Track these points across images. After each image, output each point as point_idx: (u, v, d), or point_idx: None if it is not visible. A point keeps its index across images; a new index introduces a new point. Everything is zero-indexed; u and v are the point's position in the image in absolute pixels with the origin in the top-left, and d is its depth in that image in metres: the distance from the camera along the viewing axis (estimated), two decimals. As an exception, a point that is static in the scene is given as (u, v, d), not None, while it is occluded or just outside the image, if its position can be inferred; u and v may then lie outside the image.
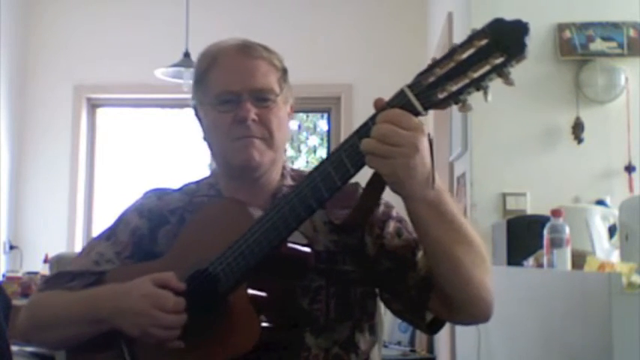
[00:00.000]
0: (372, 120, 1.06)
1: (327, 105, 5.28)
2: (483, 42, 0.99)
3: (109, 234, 1.43)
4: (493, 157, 3.12)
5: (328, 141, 5.39)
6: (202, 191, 1.43)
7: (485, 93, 1.00)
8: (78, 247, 5.06)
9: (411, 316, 1.29)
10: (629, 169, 2.98)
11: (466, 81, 1.00)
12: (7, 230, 5.07)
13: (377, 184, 1.11)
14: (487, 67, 0.99)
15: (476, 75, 0.99)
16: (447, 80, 1.01)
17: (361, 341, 1.32)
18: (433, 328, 1.28)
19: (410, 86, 1.05)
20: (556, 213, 2.07)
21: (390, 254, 1.29)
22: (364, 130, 1.06)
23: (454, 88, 1.01)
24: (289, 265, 1.23)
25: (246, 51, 1.35)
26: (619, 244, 2.10)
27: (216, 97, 1.32)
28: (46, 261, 4.43)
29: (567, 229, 2.05)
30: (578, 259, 2.01)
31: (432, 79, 1.02)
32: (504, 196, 3.06)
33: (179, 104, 5.43)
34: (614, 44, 3.04)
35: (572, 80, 3.07)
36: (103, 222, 5.19)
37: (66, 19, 5.31)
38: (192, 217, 1.36)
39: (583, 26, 3.05)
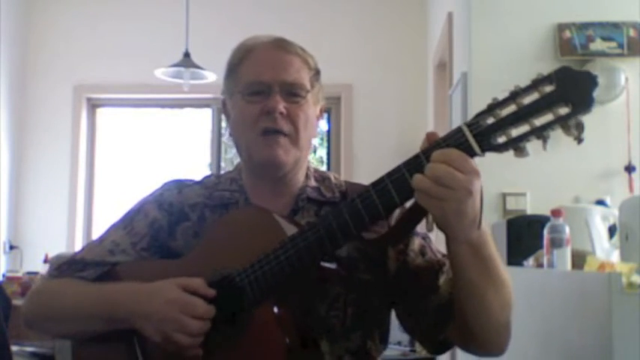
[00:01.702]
0: (424, 154, 1.03)
1: (327, 105, 5.27)
2: (548, 89, 0.97)
3: (126, 223, 1.39)
4: (493, 157, 3.10)
5: (328, 141, 5.38)
6: (223, 185, 1.39)
7: (545, 142, 0.98)
8: (78, 247, 5.05)
9: (423, 337, 1.28)
10: (629, 169, 2.98)
11: (527, 128, 0.98)
12: (7, 230, 5.06)
13: (418, 213, 1.09)
14: (551, 117, 0.96)
15: (538, 123, 0.97)
16: (507, 124, 0.99)
17: (372, 349, 1.31)
18: (439, 350, 1.28)
19: (468, 125, 1.02)
20: (556, 213, 2.07)
21: (412, 273, 1.27)
22: (415, 164, 1.03)
23: (514, 133, 0.99)
24: (318, 283, 1.22)
25: (282, 45, 1.33)
26: (619, 244, 2.11)
27: (247, 87, 1.30)
28: (46, 261, 4.44)
29: (567, 229, 2.05)
30: (578, 259, 2.01)
31: (491, 120, 1.00)
32: (504, 196, 3.06)
33: (179, 104, 5.44)
34: (614, 44, 3.04)
35: (572, 80, 3.06)
36: (103, 222, 5.19)
37: (66, 19, 5.31)
38: (217, 220, 1.32)
39: (583, 26, 3.05)
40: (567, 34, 3.05)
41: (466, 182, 1.00)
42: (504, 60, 3.02)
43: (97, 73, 5.21)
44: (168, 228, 1.36)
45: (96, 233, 5.22)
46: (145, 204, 1.40)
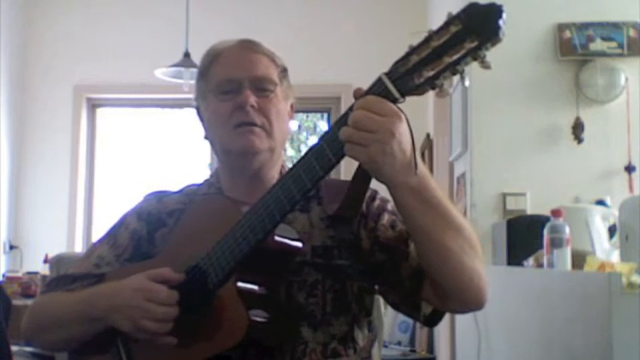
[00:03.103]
0: (350, 109, 1.07)
1: (327, 105, 5.28)
2: (458, 27, 1.00)
3: (109, 237, 1.45)
4: (493, 157, 3.12)
5: (328, 141, 5.38)
6: (203, 190, 1.45)
7: (462, 77, 1.01)
8: (78, 248, 5.07)
9: (407, 308, 1.30)
10: (629, 169, 2.99)
11: (441, 66, 1.01)
12: (7, 230, 5.06)
13: (363, 172, 1.11)
14: (462, 52, 0.99)
15: (451, 59, 1.00)
16: (423, 66, 1.02)
17: (359, 337, 1.33)
18: (431, 320, 1.28)
19: (387, 73, 1.07)
20: (556, 213, 2.07)
21: (384, 246, 1.29)
22: (343, 120, 1.06)
23: (430, 73, 1.01)
24: (278, 258, 1.24)
25: (249, 45, 1.40)
26: (619, 244, 2.11)
27: (218, 86, 1.36)
28: (46, 261, 4.44)
29: (567, 229, 2.05)
30: (578, 259, 2.01)
31: (408, 65, 1.04)
32: (504, 196, 3.07)
33: (179, 104, 5.44)
34: (614, 44, 3.04)
35: (572, 80, 3.07)
36: (103, 222, 5.18)
37: (66, 19, 5.31)
38: (185, 215, 1.37)
39: (583, 26, 3.05)
40: (567, 34, 3.05)
41: (386, 123, 1.03)
42: (504, 60, 3.03)
43: (97, 73, 5.21)
44: (147, 236, 1.42)
45: (96, 233, 5.25)
46: (126, 217, 1.46)
